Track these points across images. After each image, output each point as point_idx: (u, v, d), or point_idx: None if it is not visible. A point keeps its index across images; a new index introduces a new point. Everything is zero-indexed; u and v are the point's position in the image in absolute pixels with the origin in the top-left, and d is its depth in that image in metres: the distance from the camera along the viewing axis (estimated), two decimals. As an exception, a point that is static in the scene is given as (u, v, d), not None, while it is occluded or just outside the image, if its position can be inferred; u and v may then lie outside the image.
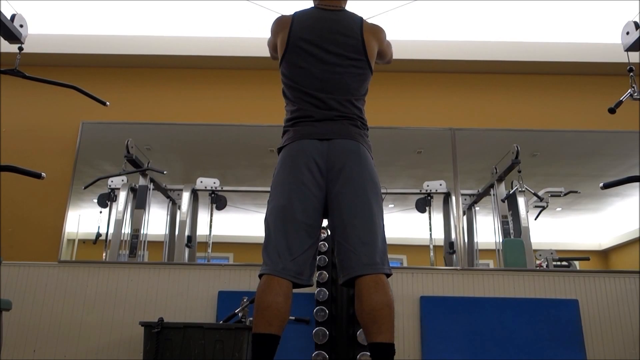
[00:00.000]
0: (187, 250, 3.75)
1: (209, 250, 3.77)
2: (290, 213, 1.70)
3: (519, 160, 3.76)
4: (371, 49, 1.90)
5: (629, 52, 2.58)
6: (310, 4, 2.02)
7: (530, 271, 3.55)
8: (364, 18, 1.97)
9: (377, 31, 1.96)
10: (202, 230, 3.82)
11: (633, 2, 3.47)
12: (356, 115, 1.86)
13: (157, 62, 4.08)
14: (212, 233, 3.80)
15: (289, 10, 1.99)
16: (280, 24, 1.95)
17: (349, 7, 2.04)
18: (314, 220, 1.73)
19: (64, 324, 3.41)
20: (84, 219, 3.75)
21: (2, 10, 2.51)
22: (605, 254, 3.82)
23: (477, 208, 3.86)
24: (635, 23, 2.51)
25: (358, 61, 1.87)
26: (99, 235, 3.73)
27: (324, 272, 3.24)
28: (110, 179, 3.83)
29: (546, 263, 3.63)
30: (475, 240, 3.77)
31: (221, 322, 3.06)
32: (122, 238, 3.71)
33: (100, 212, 3.78)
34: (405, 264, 3.71)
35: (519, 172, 3.79)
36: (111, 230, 3.73)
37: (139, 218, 3.78)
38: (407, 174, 3.98)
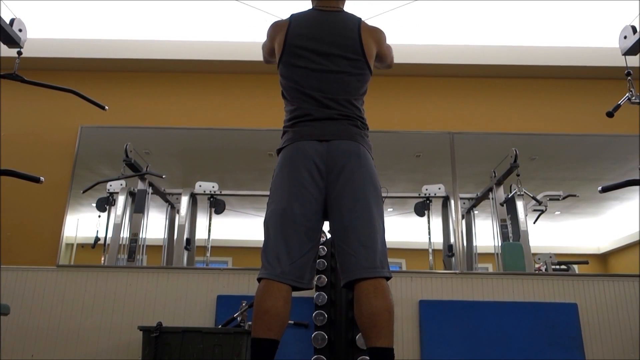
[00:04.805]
0: (185, 254, 3.75)
1: (208, 254, 3.77)
2: (290, 216, 1.68)
3: (517, 164, 3.77)
4: (369, 49, 1.90)
5: (627, 56, 2.59)
6: (309, 6, 2.03)
7: (529, 275, 3.55)
8: (367, 21, 1.98)
9: (376, 32, 1.95)
10: (201, 234, 3.82)
11: (631, 6, 3.48)
12: (356, 115, 1.85)
13: (156, 67, 4.09)
14: (211, 237, 3.80)
15: (288, 12, 1.99)
16: (277, 27, 1.95)
17: (348, 8, 2.04)
18: (314, 223, 1.72)
19: (62, 328, 3.40)
20: (83, 223, 3.75)
21: (1, 15, 2.51)
22: (604, 258, 3.81)
23: (476, 212, 3.86)
24: (633, 27, 2.52)
25: (356, 61, 1.87)
26: (97, 239, 3.72)
27: (323, 276, 3.23)
28: (109, 183, 3.83)
29: (545, 267, 3.63)
30: (474, 244, 3.77)
31: (220, 326, 3.06)
32: (120, 242, 3.70)
33: (99, 216, 3.77)
34: (404, 268, 3.71)
35: (518, 175, 3.79)
36: (110, 235, 3.72)
37: (138, 222, 3.77)
38: (406, 177, 3.98)
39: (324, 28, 1.89)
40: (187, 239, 3.77)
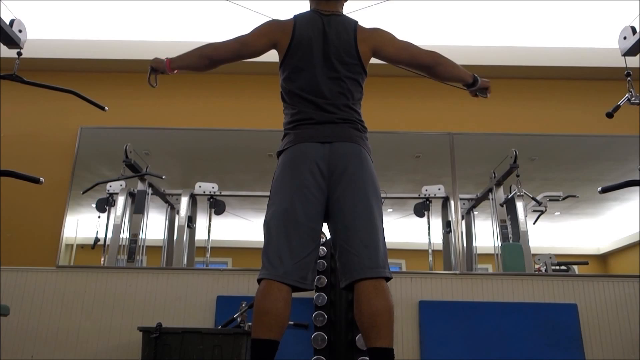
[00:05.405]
0: (187, 247, 3.74)
1: (208, 255, 3.77)
2: (293, 216, 1.69)
3: (517, 165, 3.77)
4: (364, 52, 1.90)
5: (627, 57, 2.59)
6: (307, 7, 2.02)
7: (529, 275, 3.55)
8: (368, 22, 1.98)
9: (372, 33, 1.94)
10: (200, 235, 3.82)
11: (631, 6, 3.48)
12: (356, 119, 1.86)
13: (156, 67, 4.08)
14: (211, 238, 3.80)
15: (288, 13, 1.98)
16: (281, 26, 1.92)
17: (348, 8, 2.05)
18: (316, 224, 1.72)
19: (62, 329, 3.40)
20: (83, 224, 3.75)
21: (1, 16, 2.52)
22: (604, 259, 3.81)
23: (475, 212, 3.86)
24: (632, 28, 2.52)
25: (353, 65, 1.88)
26: (97, 240, 3.72)
27: (323, 276, 3.23)
28: (109, 184, 3.83)
29: (545, 267, 3.63)
30: (474, 244, 3.77)
31: (220, 327, 3.05)
32: (120, 243, 3.70)
33: (99, 217, 3.77)
34: (403, 269, 3.71)
35: (518, 176, 3.79)
36: (109, 235, 3.72)
37: (138, 223, 3.77)
38: (406, 178, 3.98)
39: (324, 32, 1.89)
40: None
